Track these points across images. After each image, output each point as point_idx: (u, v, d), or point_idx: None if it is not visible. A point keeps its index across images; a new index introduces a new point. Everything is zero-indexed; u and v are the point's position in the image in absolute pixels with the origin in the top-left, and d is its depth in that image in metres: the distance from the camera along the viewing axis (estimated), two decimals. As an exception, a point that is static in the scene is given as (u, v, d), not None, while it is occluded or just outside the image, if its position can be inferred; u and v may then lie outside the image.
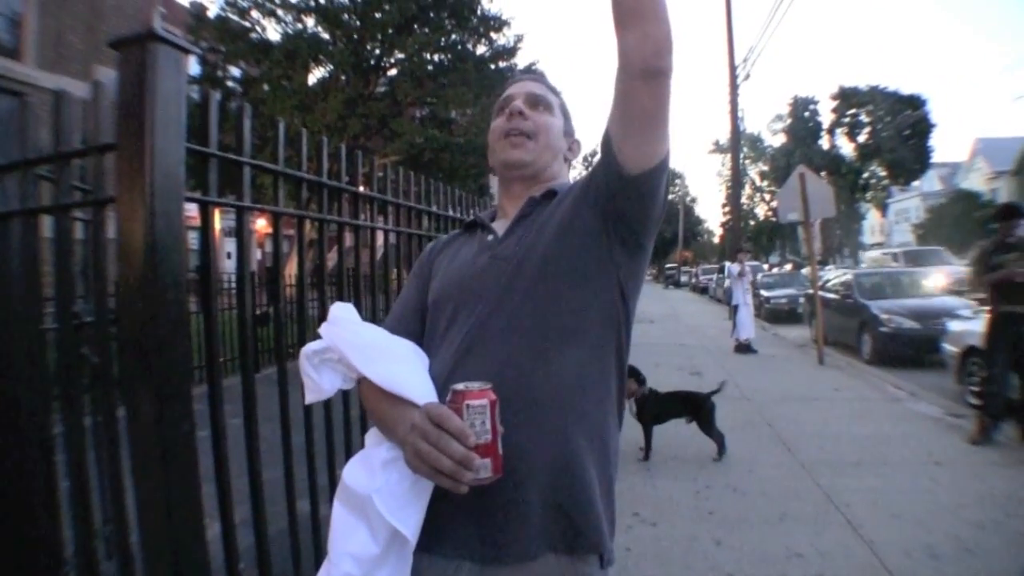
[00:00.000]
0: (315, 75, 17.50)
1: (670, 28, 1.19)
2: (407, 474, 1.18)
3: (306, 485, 2.42)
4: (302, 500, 2.37)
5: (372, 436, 1.32)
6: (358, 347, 1.29)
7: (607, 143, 1.30)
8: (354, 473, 1.25)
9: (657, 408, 5.72)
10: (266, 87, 16.39)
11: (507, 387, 1.20)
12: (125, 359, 1.59)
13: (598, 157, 1.35)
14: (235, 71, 17.49)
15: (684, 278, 49.34)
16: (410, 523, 1.19)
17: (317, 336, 1.37)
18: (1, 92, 11.29)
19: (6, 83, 11.89)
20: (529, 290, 1.31)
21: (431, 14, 16.50)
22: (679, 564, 3.64)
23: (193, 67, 16.61)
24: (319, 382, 1.34)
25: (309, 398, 1.37)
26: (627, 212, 1.32)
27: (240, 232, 2.05)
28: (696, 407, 5.75)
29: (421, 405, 1.17)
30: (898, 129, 43.12)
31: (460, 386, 1.12)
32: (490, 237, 1.46)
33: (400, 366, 1.28)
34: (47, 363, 2.04)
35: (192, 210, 1.95)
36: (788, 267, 30.58)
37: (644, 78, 1.20)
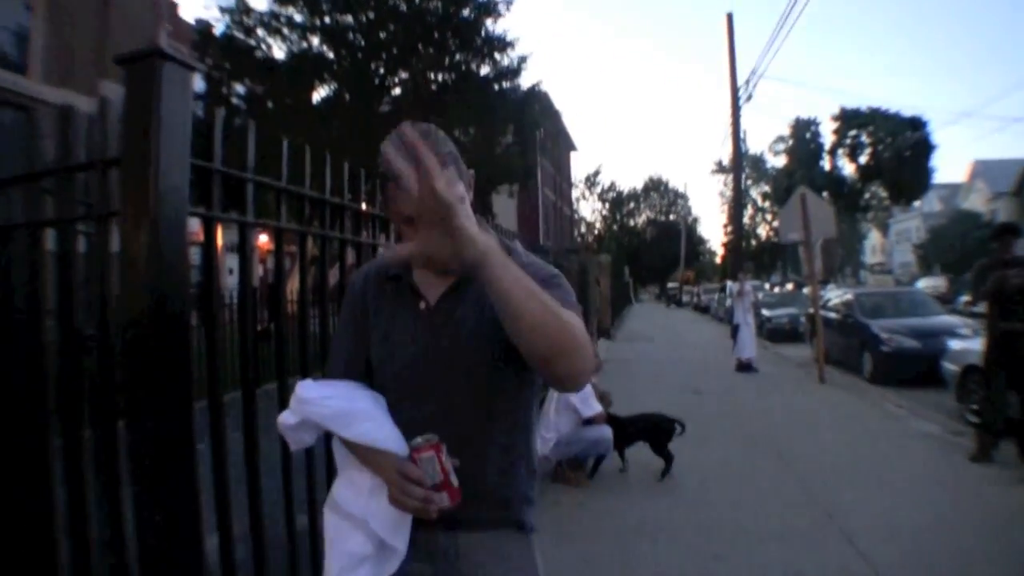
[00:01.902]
0: (319, 93, 17.62)
1: (588, 356, 1.35)
2: None
3: (305, 498, 2.45)
4: (301, 514, 2.40)
5: (339, 450, 1.58)
6: (330, 418, 1.50)
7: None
8: (344, 494, 1.55)
9: (619, 432, 5.71)
10: (270, 105, 16.49)
11: (460, 436, 1.46)
12: (126, 371, 1.62)
13: None
14: (240, 88, 17.60)
15: (686, 298, 49.31)
16: (401, 538, 1.47)
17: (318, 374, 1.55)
18: (7, 106, 11.39)
19: (12, 97, 11.96)
20: (465, 368, 1.49)
21: (436, 35, 16.63)
22: (677, 580, 3.65)
23: (198, 84, 16.73)
24: (301, 438, 1.57)
25: (294, 447, 1.64)
26: None
27: (243, 248, 2.08)
28: (656, 428, 5.76)
29: (396, 453, 1.44)
30: (899, 150, 43.21)
31: (413, 443, 1.40)
32: (422, 305, 1.53)
33: (370, 425, 1.48)
34: (48, 375, 2.06)
35: (195, 225, 1.98)
36: (789, 287, 30.60)
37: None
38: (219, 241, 2.01)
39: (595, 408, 5.45)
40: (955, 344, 8.17)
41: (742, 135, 22.68)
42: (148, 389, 1.60)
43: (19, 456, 2.05)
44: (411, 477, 1.38)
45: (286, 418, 1.53)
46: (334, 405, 1.50)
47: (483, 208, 15.72)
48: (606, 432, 5.49)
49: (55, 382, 2.07)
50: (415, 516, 1.42)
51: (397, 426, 1.48)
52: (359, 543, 1.49)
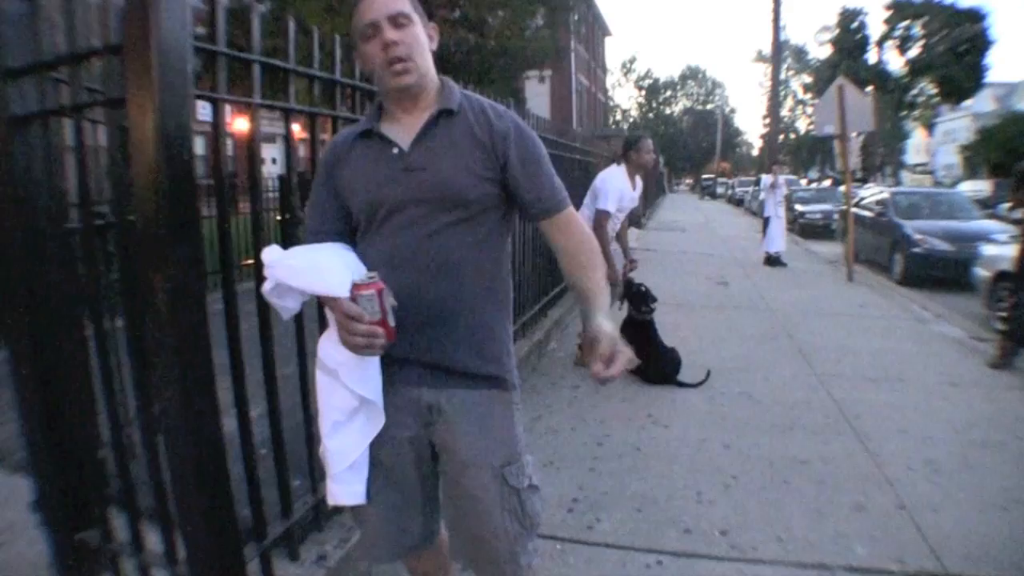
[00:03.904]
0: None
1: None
2: None
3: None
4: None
5: (329, 314, 1.65)
6: (294, 276, 1.59)
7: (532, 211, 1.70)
8: (325, 348, 1.65)
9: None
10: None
11: (437, 265, 1.62)
12: (141, 250, 1.67)
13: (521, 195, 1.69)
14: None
15: (720, 189, 48.59)
16: (370, 387, 1.61)
17: None
18: None
19: None
20: (444, 205, 1.62)
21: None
22: (686, 465, 3.77)
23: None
24: (285, 305, 1.67)
25: (285, 316, 1.75)
26: None
27: (252, 128, 2.09)
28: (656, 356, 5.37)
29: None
30: (953, 44, 40.94)
31: (357, 279, 1.49)
32: (395, 150, 1.64)
33: (325, 275, 1.55)
34: (74, 265, 2.12)
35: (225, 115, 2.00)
36: (827, 183, 29.99)
37: None
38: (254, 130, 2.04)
39: None
40: (989, 249, 8.01)
41: (783, 23, 21.72)
42: (159, 266, 1.65)
43: (56, 346, 2.13)
44: (349, 313, 1.47)
45: (265, 285, 1.62)
46: (295, 263, 1.59)
47: (514, 94, 15.35)
48: None
49: (82, 272, 2.14)
50: (364, 355, 1.53)
51: (379, 266, 1.59)
52: (344, 398, 1.61)
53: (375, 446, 1.68)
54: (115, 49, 1.77)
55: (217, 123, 1.98)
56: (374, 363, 1.61)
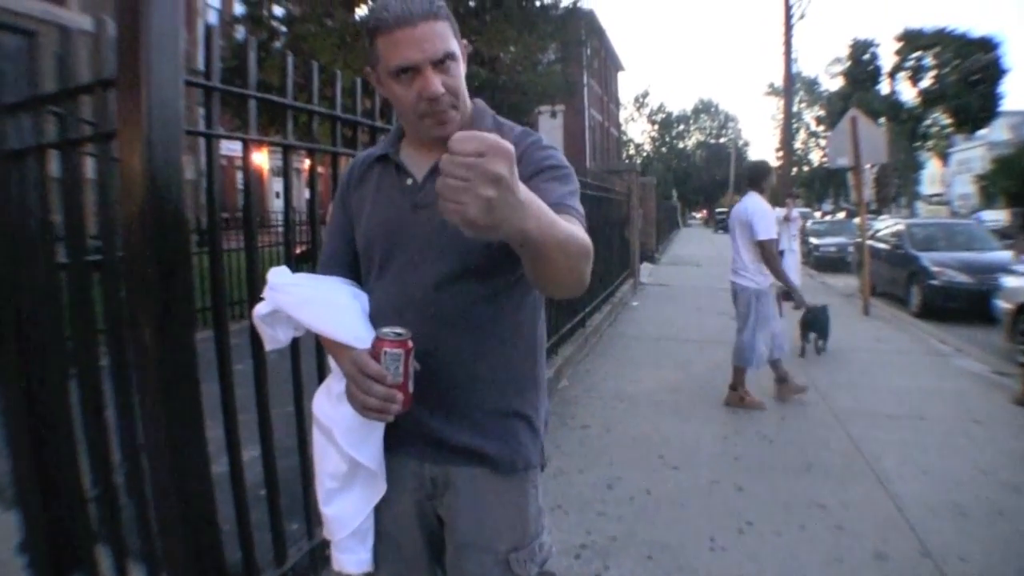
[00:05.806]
0: (359, 13, 17.25)
1: (587, 276, 1.21)
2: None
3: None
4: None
5: (333, 362, 1.47)
6: (300, 307, 1.41)
7: None
8: (321, 403, 1.47)
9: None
10: (311, 28, 16.24)
11: (445, 322, 1.39)
12: (128, 287, 1.63)
13: None
14: (277, 10, 17.31)
15: (734, 223, 48.39)
16: (368, 452, 1.40)
17: None
18: (11, 30, 11.32)
19: (16, 19, 11.80)
20: (452, 251, 1.37)
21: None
22: (697, 508, 3.65)
23: (237, 7, 16.58)
24: (275, 335, 1.49)
25: (269, 347, 1.54)
26: None
27: (245, 164, 2.07)
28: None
29: (356, 347, 1.31)
30: (966, 74, 40.98)
31: (382, 332, 1.28)
32: (409, 181, 1.43)
33: (339, 316, 1.39)
34: (61, 298, 2.10)
35: (237, 150, 1.98)
36: (840, 215, 29.89)
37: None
38: (264, 165, 2.02)
39: None
40: (1010, 281, 7.86)
41: (794, 55, 21.94)
42: (147, 302, 1.61)
43: (40, 381, 2.12)
44: (368, 372, 1.25)
45: (259, 308, 1.44)
46: (301, 293, 1.42)
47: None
48: None
49: (68, 308, 2.13)
50: (372, 419, 1.30)
51: (382, 313, 1.40)
52: (335, 462, 1.42)
53: (379, 515, 1.50)
54: (107, 83, 1.75)
55: (211, 159, 1.94)
56: (376, 425, 1.39)
